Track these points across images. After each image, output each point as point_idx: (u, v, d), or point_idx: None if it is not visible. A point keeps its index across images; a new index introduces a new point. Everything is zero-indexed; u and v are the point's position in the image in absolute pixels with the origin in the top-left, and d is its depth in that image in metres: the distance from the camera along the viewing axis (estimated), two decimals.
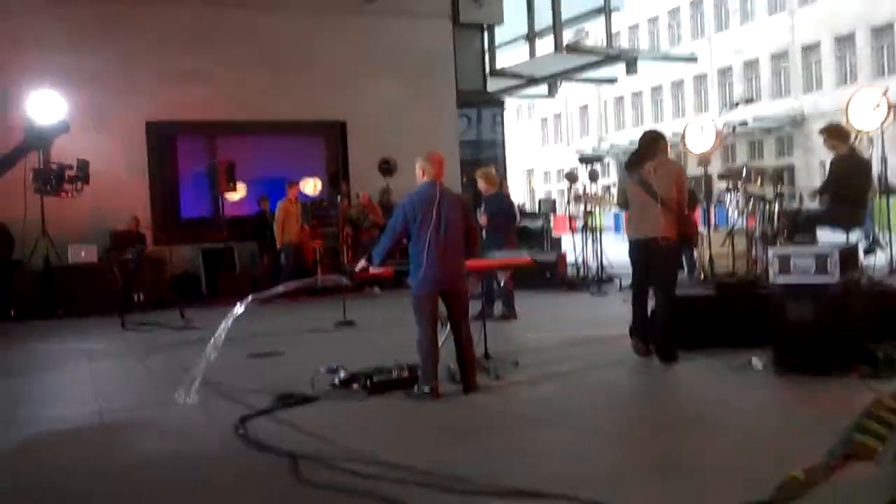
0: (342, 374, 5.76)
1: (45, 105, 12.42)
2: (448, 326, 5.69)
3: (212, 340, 5.62)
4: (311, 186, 14.22)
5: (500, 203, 9.50)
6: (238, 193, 13.52)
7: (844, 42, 32.48)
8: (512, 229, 9.82)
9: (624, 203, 6.60)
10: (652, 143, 6.45)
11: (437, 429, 4.87)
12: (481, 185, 9.48)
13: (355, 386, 5.64)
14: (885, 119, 8.46)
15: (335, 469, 3.91)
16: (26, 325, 10.56)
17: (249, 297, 5.81)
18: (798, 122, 33.37)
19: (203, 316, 10.15)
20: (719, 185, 9.62)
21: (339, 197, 12.33)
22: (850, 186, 7.09)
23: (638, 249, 6.37)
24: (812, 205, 8.77)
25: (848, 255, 5.80)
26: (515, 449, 4.29)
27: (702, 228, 8.27)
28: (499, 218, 9.24)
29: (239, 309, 5.66)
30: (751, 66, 36.85)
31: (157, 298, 11.58)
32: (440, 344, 5.61)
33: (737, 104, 9.05)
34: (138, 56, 13.18)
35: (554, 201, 24.07)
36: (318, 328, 9.02)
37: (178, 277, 12.74)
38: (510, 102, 23.44)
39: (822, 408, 4.81)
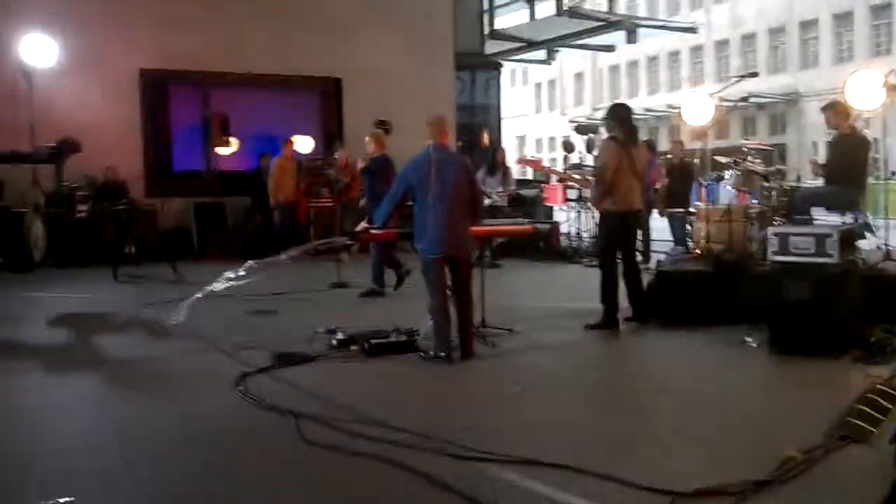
0: (340, 336, 5.78)
1: (38, 48, 12.27)
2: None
3: (212, 286, 5.68)
4: (303, 144, 14.05)
5: (382, 167, 8.61)
6: (231, 148, 13.38)
7: (843, 19, 32.35)
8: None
9: (603, 175, 6.59)
10: (633, 119, 6.88)
11: (437, 395, 4.91)
12: (370, 147, 8.79)
13: (353, 347, 5.67)
14: (886, 100, 8.43)
15: (337, 430, 3.94)
16: (17, 274, 10.47)
17: (253, 262, 5.85)
18: (793, 100, 33.35)
19: (194, 271, 10.17)
20: (718, 161, 9.63)
21: (333, 156, 12.23)
22: (849, 167, 7.12)
23: (629, 220, 6.73)
24: (809, 183, 8.80)
25: (847, 237, 5.83)
26: (511, 418, 4.33)
27: (700, 204, 8.27)
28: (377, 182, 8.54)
29: (243, 272, 5.70)
30: (748, 39, 36.68)
31: (148, 251, 11.50)
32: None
33: (741, 77, 8.97)
34: (134, 1, 12.93)
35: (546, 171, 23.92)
36: (311, 288, 8.95)
37: (169, 231, 12.63)
38: (505, 67, 23.26)
39: (816, 389, 4.86)
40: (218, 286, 5.76)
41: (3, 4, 12.03)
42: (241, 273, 5.78)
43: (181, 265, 10.30)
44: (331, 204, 11.55)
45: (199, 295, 5.71)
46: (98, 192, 12.15)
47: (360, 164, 8.85)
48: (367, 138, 8.98)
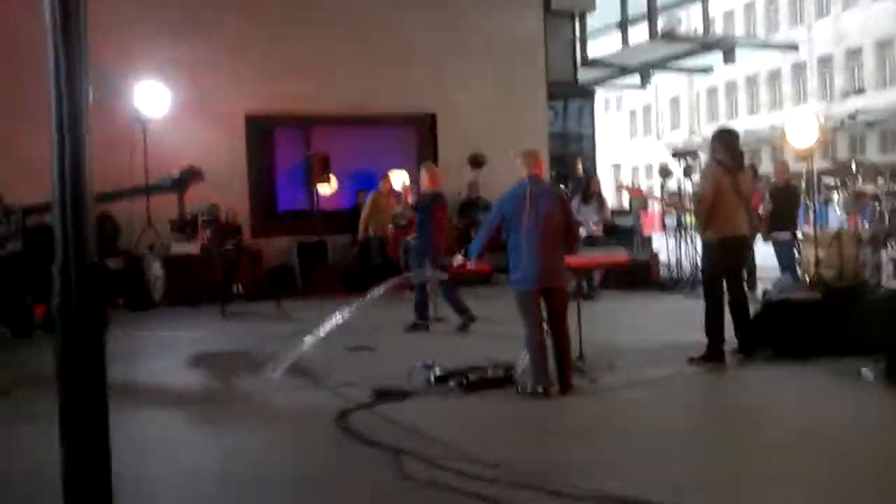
0: (438, 371, 5.83)
1: (151, 95, 13.04)
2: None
3: (314, 333, 5.87)
4: (397, 180, 14.24)
5: (433, 204, 8.45)
6: (330, 187, 13.74)
7: None
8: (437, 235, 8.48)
9: (704, 200, 6.43)
10: (739, 144, 6.69)
11: (536, 430, 4.88)
12: (424, 182, 8.58)
13: (451, 383, 5.70)
14: None
15: (438, 467, 3.96)
16: (131, 312, 11.03)
17: (354, 305, 6.13)
18: None
19: (298, 308, 10.46)
20: (825, 183, 9.27)
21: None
22: None
23: (735, 247, 6.44)
24: None
25: None
26: (613, 455, 4.25)
27: (807, 229, 7.97)
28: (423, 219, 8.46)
29: (346, 313, 5.95)
30: (853, 55, 35.21)
31: (254, 290, 11.92)
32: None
33: (849, 93, 8.60)
34: (239, 48, 13.54)
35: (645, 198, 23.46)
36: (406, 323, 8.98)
37: (273, 270, 13.06)
38: (598, 94, 23.11)
39: None
40: (313, 337, 6.07)
41: (120, 54, 12.81)
42: (338, 320, 6.05)
43: (286, 302, 10.63)
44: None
45: (295, 355, 6.10)
46: (217, 229, 12.66)
47: (412, 200, 8.81)
48: (422, 172, 8.80)
